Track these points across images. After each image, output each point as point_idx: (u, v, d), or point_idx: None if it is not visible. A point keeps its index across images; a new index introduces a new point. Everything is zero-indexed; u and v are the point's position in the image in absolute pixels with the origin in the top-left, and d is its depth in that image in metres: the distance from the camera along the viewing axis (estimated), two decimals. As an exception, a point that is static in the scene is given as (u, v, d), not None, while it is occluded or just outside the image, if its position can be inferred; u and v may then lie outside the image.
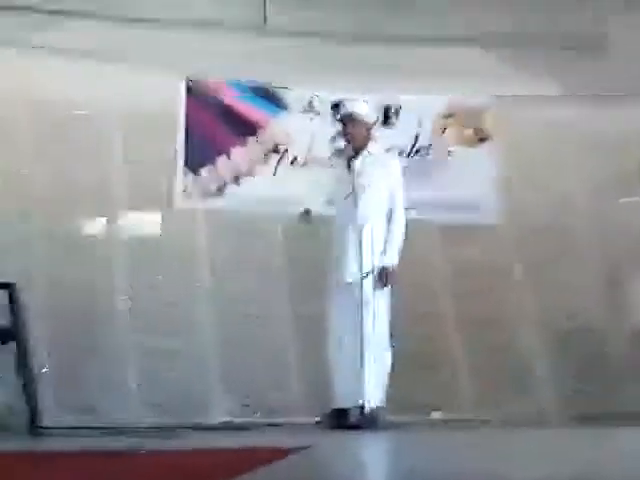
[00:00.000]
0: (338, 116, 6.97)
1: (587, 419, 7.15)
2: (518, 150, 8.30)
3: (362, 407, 5.77)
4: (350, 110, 6.41)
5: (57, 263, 7.23)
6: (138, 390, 6.99)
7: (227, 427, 6.44)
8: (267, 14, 9.12)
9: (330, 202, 6.59)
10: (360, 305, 5.89)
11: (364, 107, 6.44)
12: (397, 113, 8.28)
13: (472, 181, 8.22)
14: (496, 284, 7.98)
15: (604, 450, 4.79)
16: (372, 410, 5.77)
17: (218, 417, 6.99)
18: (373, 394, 5.79)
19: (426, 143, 8.28)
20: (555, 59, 8.58)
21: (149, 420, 6.71)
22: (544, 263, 8.06)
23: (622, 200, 8.39)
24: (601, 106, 8.30)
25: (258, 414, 7.14)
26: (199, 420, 6.77)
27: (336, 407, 6.06)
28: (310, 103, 8.14)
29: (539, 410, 7.44)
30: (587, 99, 8.36)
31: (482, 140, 8.35)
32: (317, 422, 6.25)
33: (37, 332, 6.91)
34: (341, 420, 5.95)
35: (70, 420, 6.66)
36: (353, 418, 5.90)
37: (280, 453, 4.48)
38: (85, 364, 6.99)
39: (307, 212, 6.50)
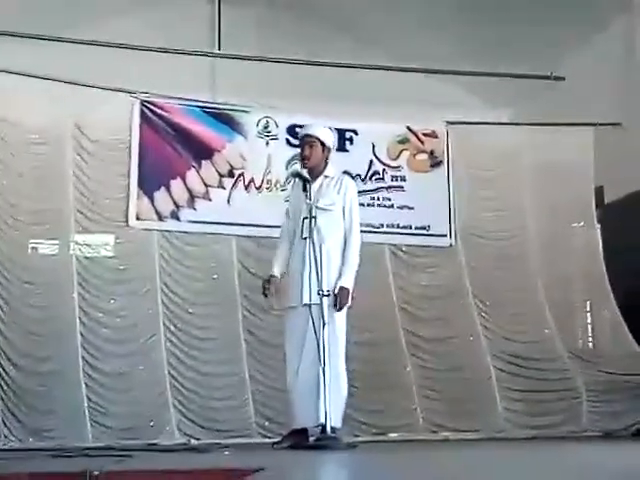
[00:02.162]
0: (297, 139, 6.97)
1: (542, 438, 7.24)
2: (471, 175, 8.44)
3: (323, 427, 5.73)
4: (311, 133, 6.41)
5: (10, 285, 7.14)
6: (92, 412, 6.89)
7: (183, 449, 6.36)
8: (222, 39, 9.21)
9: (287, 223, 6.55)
10: (318, 325, 5.86)
11: (321, 131, 6.44)
12: (352, 138, 8.38)
13: (426, 205, 8.34)
14: (450, 306, 8.07)
15: (559, 466, 4.83)
16: (333, 430, 5.74)
17: (173, 439, 6.95)
18: (332, 414, 5.76)
19: (380, 168, 8.39)
20: (509, 87, 8.75)
21: (102, 442, 6.62)
22: (497, 285, 8.17)
23: (574, 225, 8.54)
24: (553, 134, 8.47)
25: (211, 432, 7.11)
26: (154, 442, 6.70)
27: (295, 427, 6.02)
28: (266, 127, 8.18)
29: (494, 429, 7.52)
30: (540, 126, 8.52)
31: (436, 165, 8.48)
32: (274, 443, 6.20)
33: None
34: (300, 440, 5.92)
35: (21, 442, 6.56)
36: (312, 438, 5.87)
37: (237, 475, 4.43)
38: (37, 386, 6.88)
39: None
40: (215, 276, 7.90)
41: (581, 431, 7.49)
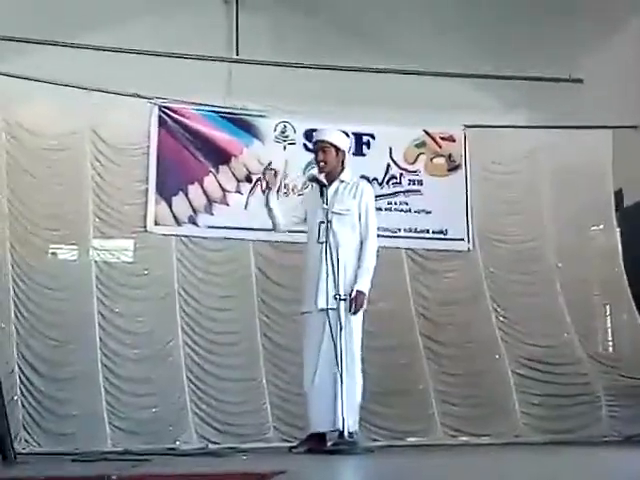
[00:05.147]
0: (311, 144, 6.98)
1: (561, 443, 7.20)
2: (488, 178, 8.42)
3: (340, 431, 5.73)
4: (323, 138, 6.41)
5: (28, 290, 7.18)
6: (111, 417, 6.92)
7: (201, 453, 6.39)
8: (239, 44, 9.23)
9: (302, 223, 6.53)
10: (335, 330, 5.86)
11: (333, 135, 6.45)
12: (369, 142, 8.38)
13: (443, 209, 8.32)
14: (467, 310, 8.05)
15: (577, 471, 4.81)
16: (350, 434, 5.74)
17: (192, 443, 6.97)
18: (349, 418, 5.76)
19: (398, 172, 8.38)
20: (527, 90, 8.71)
21: (121, 446, 6.65)
22: (515, 289, 8.14)
23: (593, 228, 8.49)
24: (571, 136, 8.42)
25: (229, 437, 7.12)
26: (173, 446, 6.73)
27: (313, 432, 6.03)
28: (283, 132, 8.20)
29: (512, 433, 7.50)
30: (558, 129, 8.48)
31: (453, 169, 8.46)
32: (291, 448, 6.21)
33: (7, 359, 6.84)
34: (318, 445, 5.92)
35: (40, 447, 6.60)
36: (330, 443, 5.87)
37: (255, 478, 4.43)
38: (57, 390, 6.92)
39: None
40: (233, 281, 7.91)
41: (600, 436, 7.45)
